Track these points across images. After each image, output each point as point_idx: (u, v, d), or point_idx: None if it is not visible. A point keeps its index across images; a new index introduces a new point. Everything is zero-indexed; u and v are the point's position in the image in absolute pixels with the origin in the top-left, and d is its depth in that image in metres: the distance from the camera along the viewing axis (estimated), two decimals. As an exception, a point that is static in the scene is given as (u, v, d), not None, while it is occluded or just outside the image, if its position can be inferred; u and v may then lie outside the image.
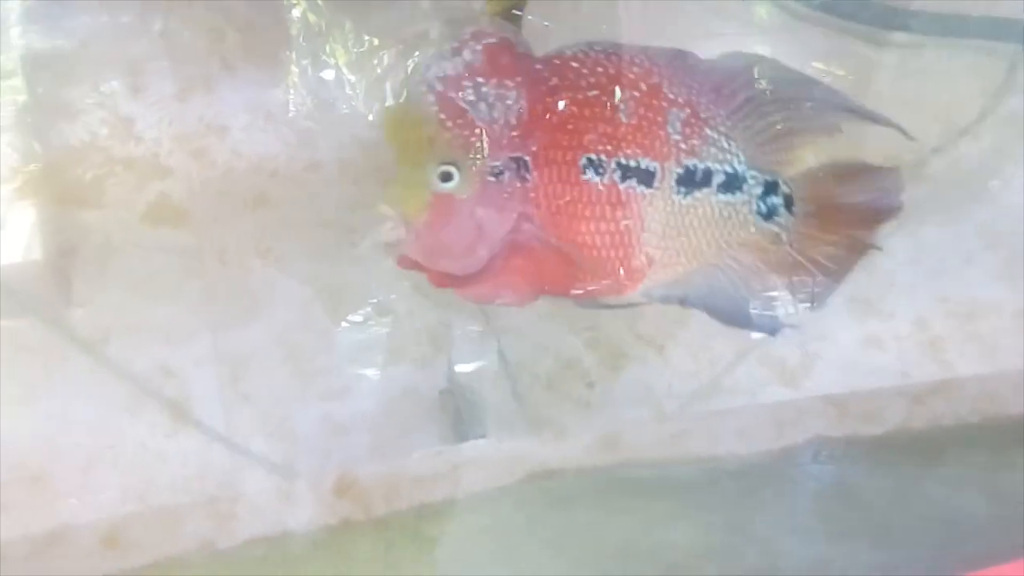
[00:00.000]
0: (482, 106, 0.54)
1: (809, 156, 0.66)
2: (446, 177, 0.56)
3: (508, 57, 0.55)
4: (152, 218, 0.93)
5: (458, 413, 1.05)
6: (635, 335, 1.03)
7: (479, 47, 0.54)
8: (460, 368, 1.05)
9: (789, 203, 0.64)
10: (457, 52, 0.54)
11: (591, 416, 1.05)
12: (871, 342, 1.00)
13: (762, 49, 0.92)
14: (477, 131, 0.55)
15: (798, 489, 0.93)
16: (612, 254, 0.59)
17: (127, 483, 0.87)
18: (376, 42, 0.76)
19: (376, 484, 1.02)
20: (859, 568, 0.83)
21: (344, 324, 1.00)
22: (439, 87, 0.54)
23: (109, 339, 0.92)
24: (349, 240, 0.99)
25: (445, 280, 0.61)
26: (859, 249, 0.66)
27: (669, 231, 0.60)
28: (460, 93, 0.54)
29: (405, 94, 0.56)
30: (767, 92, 0.58)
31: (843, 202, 0.65)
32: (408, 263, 0.61)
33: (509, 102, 0.55)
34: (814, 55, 1.05)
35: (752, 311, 0.65)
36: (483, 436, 1.03)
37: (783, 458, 0.98)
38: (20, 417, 0.87)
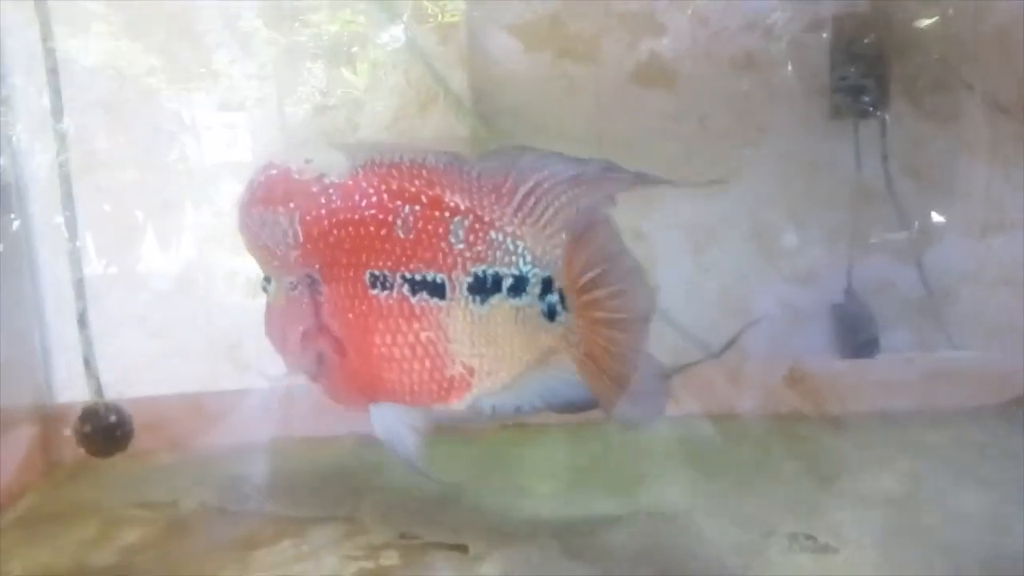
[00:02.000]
0: (266, 229, 0.60)
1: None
2: (264, 287, 0.65)
3: (283, 186, 0.60)
4: (641, 78, 0.92)
5: (849, 328, 0.96)
6: None
7: (262, 178, 0.60)
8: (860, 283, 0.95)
9: (563, 298, 0.57)
10: (252, 183, 0.61)
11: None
12: None
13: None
14: (268, 250, 0.61)
15: None
16: (417, 365, 0.60)
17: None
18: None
19: (832, 381, 0.95)
20: None
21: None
22: (242, 213, 0.61)
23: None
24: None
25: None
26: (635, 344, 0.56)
27: (477, 340, 0.59)
28: (249, 219, 0.61)
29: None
30: (544, 182, 0.57)
31: (595, 294, 0.56)
32: None
33: (284, 226, 0.60)
34: None
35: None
36: (874, 353, 0.95)
37: None
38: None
